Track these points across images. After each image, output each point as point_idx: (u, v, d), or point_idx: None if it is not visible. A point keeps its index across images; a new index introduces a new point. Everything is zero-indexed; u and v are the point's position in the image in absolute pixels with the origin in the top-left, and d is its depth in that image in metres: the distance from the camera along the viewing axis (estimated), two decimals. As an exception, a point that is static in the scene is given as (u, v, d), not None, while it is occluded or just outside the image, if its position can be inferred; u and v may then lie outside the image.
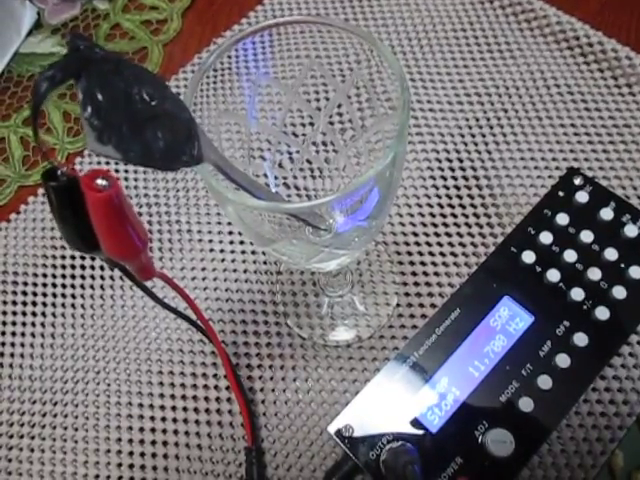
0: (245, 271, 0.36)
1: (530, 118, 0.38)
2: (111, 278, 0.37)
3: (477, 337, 0.29)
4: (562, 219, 0.31)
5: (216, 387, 0.33)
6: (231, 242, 0.37)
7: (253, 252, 0.36)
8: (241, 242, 0.37)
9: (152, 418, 0.32)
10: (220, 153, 0.18)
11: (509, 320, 0.29)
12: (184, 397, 0.33)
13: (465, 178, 0.37)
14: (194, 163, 0.17)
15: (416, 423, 0.27)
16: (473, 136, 0.38)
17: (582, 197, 0.31)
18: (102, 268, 0.37)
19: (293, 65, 0.34)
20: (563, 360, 0.28)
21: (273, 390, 0.32)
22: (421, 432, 0.27)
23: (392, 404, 0.28)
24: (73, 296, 0.36)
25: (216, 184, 0.17)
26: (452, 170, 0.37)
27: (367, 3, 0.45)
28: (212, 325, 0.34)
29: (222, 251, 0.37)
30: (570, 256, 0.30)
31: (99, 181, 0.15)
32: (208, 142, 0.18)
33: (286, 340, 0.33)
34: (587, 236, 0.30)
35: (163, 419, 0.32)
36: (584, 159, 0.36)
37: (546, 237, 0.31)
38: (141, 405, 0.33)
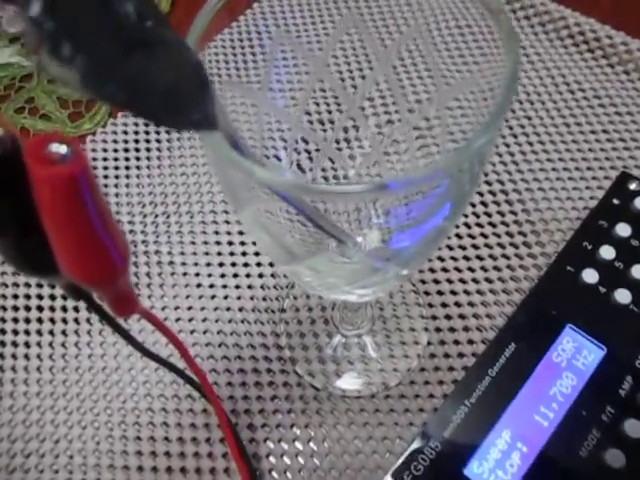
0: (241, 309, 0.30)
1: (557, 125, 0.34)
2: (75, 321, 0.30)
3: (540, 377, 0.23)
4: (623, 230, 0.26)
5: (210, 455, 0.26)
6: (222, 275, 0.31)
7: (249, 286, 0.30)
8: (235, 275, 0.31)
9: (128, 500, 0.25)
10: (232, 124, 0.13)
11: (575, 353, 0.24)
12: (169, 470, 0.26)
13: (492, 193, 0.32)
14: (208, 126, 0.11)
15: (477, 493, 0.21)
16: (496, 147, 0.34)
17: (642, 204, 0.27)
18: (64, 308, 0.30)
19: (325, 23, 0.28)
20: (651, 400, 0.22)
21: (282, 455, 0.26)
22: (485, 504, 0.21)
23: (442, 468, 0.22)
24: (27, 344, 0.29)
25: (239, 158, 0.11)
26: (476, 184, 0.33)
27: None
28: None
29: (212, 286, 0.31)
30: (639, 272, 0.25)
31: (54, 148, 0.09)
32: (220, 106, 0.12)
33: (296, 392, 0.27)
34: (655, 248, 0.26)
35: (143, 500, 0.25)
36: (622, 167, 0.32)
37: (607, 252, 0.26)
38: (114, 483, 0.26)
